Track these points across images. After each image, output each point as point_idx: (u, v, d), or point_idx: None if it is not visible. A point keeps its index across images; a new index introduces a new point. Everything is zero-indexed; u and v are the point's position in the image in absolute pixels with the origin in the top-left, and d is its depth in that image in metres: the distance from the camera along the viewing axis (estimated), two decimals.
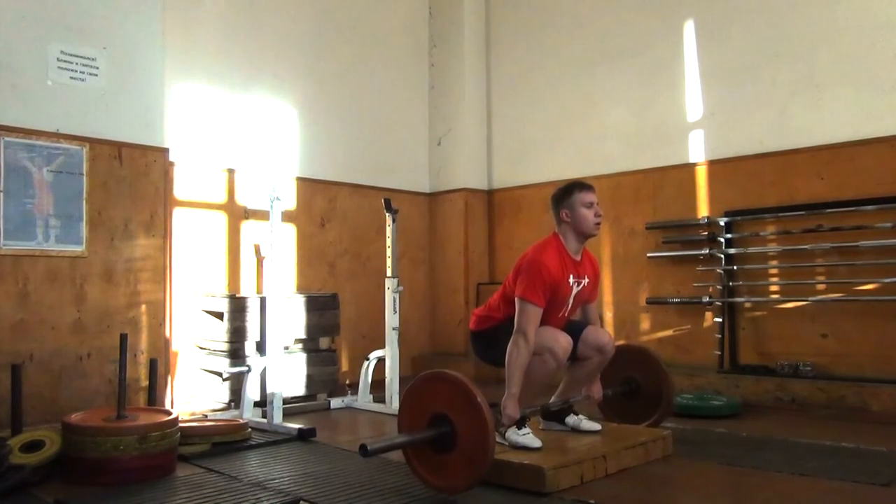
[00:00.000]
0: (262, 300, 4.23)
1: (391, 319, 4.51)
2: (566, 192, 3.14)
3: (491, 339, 3.16)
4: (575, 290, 3.11)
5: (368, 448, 2.52)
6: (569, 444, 3.01)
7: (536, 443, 2.88)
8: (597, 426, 3.21)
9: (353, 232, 5.71)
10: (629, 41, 5.47)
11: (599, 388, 3.36)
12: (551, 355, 2.94)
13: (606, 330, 3.26)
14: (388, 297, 4.51)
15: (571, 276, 3.08)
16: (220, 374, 4.27)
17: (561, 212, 3.13)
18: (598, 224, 3.12)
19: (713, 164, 5.00)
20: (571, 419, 3.24)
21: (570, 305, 3.13)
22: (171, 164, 4.44)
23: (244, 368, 4.10)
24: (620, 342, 3.77)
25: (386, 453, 2.73)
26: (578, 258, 3.14)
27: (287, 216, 5.02)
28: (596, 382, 3.34)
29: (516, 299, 2.98)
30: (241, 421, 3.71)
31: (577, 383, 3.28)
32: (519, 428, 2.93)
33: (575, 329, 3.18)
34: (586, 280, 3.15)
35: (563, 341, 2.97)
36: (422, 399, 2.70)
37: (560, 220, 3.14)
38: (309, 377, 4.62)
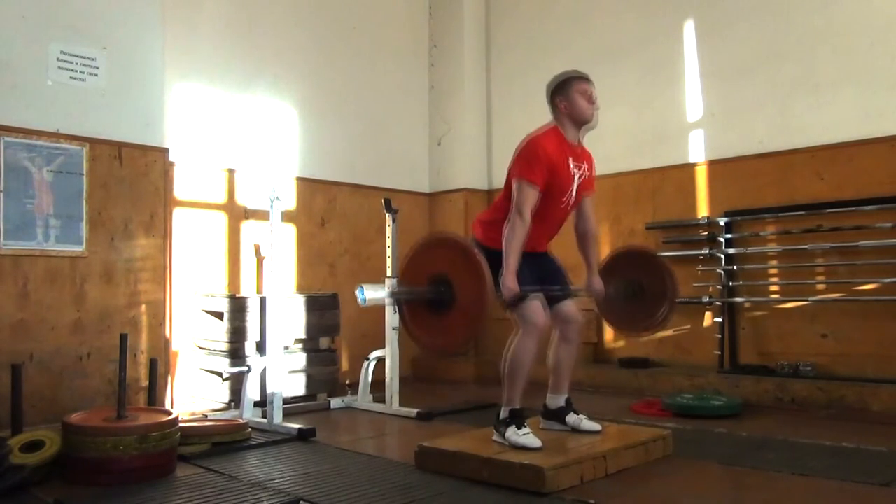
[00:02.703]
0: (262, 300, 4.23)
1: (391, 319, 4.50)
2: (563, 83, 3.15)
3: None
4: (577, 178, 3.09)
5: (367, 298, 2.56)
6: (569, 444, 3.01)
7: (536, 443, 2.87)
8: (597, 426, 3.19)
9: (353, 232, 5.71)
10: (629, 41, 5.47)
11: (600, 282, 3.33)
12: (532, 333, 2.92)
13: (577, 309, 3.25)
14: None
15: (571, 161, 3.07)
16: (220, 374, 4.27)
17: (557, 101, 3.14)
18: (595, 113, 3.14)
19: (713, 164, 5.00)
20: (572, 418, 3.22)
21: (573, 195, 3.11)
22: (171, 164, 4.44)
23: (244, 368, 4.10)
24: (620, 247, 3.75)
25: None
26: (577, 146, 3.14)
27: (287, 216, 5.02)
28: (595, 276, 3.32)
29: (514, 181, 2.99)
30: (241, 421, 3.72)
31: (564, 371, 3.26)
32: (519, 428, 2.92)
33: (558, 295, 3.19)
34: (585, 167, 3.15)
35: (540, 319, 2.95)
36: (421, 263, 2.79)
37: (556, 111, 3.14)
38: (309, 377, 4.62)
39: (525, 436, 2.89)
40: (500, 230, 2.99)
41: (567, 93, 3.11)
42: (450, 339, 2.67)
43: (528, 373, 3.01)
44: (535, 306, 2.98)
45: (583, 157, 3.15)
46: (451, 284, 2.67)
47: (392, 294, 2.72)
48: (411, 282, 2.76)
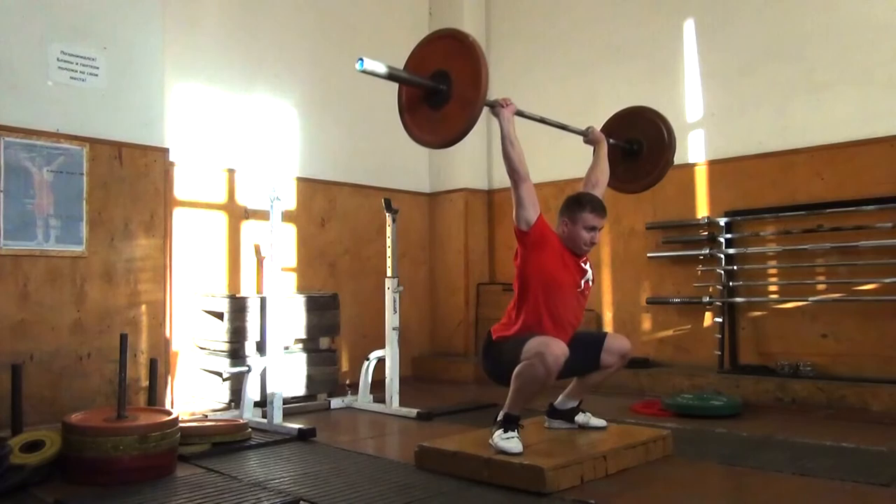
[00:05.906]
0: (262, 300, 4.23)
1: (391, 319, 4.51)
2: (577, 204, 3.11)
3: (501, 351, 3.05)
4: (581, 278, 3.10)
5: (365, 63, 2.62)
6: (569, 443, 3.01)
7: (516, 448, 2.80)
8: (603, 422, 3.24)
9: (353, 232, 5.71)
10: (629, 41, 5.47)
11: (601, 134, 3.53)
12: (539, 360, 2.76)
13: (623, 337, 3.27)
14: (389, 297, 4.51)
15: (570, 262, 3.09)
16: (220, 374, 4.27)
17: (563, 220, 3.12)
18: (588, 249, 3.12)
19: (713, 164, 5.00)
20: (581, 417, 3.25)
21: (581, 287, 3.10)
22: (171, 164, 4.44)
23: (244, 368, 4.10)
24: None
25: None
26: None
27: (287, 216, 5.02)
28: (597, 131, 3.53)
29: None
30: (241, 421, 3.71)
31: (587, 386, 3.26)
32: (505, 431, 2.86)
33: (595, 340, 3.19)
34: (590, 273, 3.16)
35: (554, 348, 2.77)
36: (421, 60, 2.86)
37: (559, 225, 3.14)
38: (309, 377, 4.62)
39: (508, 440, 2.83)
40: (509, 326, 3.04)
41: (574, 218, 3.09)
42: (448, 129, 2.72)
43: (535, 395, 2.93)
44: (544, 339, 2.83)
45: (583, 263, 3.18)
46: (450, 76, 2.72)
47: (399, 78, 2.77)
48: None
